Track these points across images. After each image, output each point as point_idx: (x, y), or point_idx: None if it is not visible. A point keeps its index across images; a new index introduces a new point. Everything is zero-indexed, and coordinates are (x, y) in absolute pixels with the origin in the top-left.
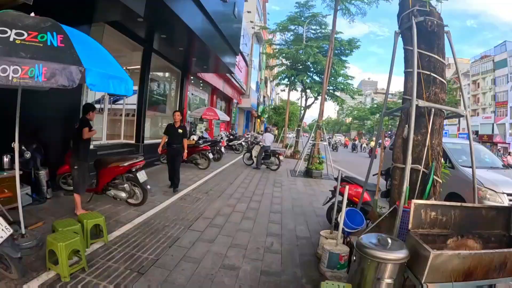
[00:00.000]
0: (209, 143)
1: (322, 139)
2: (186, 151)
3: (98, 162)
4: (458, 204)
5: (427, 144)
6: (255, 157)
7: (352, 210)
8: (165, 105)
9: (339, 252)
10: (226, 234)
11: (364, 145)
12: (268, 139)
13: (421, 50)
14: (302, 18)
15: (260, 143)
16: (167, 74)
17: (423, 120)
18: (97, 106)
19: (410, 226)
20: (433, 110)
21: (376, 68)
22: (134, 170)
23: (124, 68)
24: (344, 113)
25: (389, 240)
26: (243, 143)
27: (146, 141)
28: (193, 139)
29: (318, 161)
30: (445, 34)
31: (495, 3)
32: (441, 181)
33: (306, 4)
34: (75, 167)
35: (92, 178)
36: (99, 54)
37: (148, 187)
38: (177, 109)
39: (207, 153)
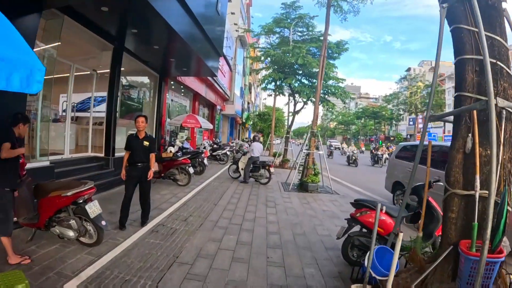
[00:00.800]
0: (190, 155)
1: (317, 147)
2: (152, 169)
3: (37, 188)
4: None
5: (500, 161)
6: (242, 169)
7: (382, 248)
8: (140, 113)
9: None
10: None
11: (386, 155)
12: (256, 149)
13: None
14: (289, 20)
15: (248, 153)
16: (142, 78)
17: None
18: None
19: None
20: (504, 113)
21: (359, 73)
22: (81, 201)
23: (92, 70)
24: (329, 118)
25: None
26: (228, 153)
27: (117, 154)
28: (170, 151)
29: (313, 173)
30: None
31: None
32: None
33: (292, 5)
34: None
35: (35, 208)
36: None
37: (103, 223)
38: (142, 114)
39: (187, 167)
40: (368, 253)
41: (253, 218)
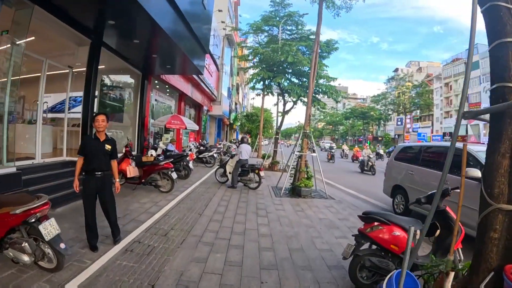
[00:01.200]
0: (173, 158)
1: (310, 148)
2: (117, 180)
3: None
4: None
5: None
6: (229, 173)
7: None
8: (122, 113)
9: None
10: None
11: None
12: (245, 151)
13: None
14: (278, 18)
15: (236, 156)
16: (124, 76)
17: None
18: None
19: None
20: None
21: (346, 74)
22: (33, 220)
23: (67, 67)
24: (316, 119)
25: None
26: (215, 155)
27: None
28: (151, 155)
29: (306, 176)
30: None
31: (462, 9)
32: None
33: (282, 3)
34: None
35: None
36: None
37: (62, 246)
38: (102, 112)
39: (170, 172)
40: (386, 279)
41: (243, 231)
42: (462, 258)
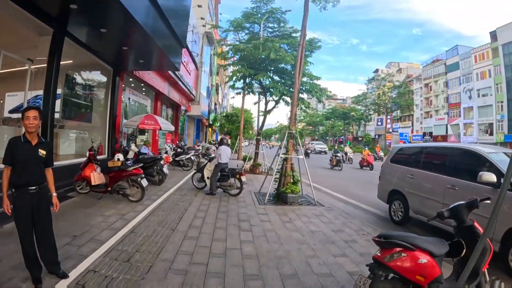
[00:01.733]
0: (143, 163)
1: (297, 150)
2: (54, 195)
3: None
4: None
5: None
6: (208, 178)
7: None
8: (90, 113)
9: None
10: None
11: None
12: (225, 153)
13: None
14: (259, 15)
15: (215, 159)
16: (93, 72)
17: None
18: None
19: None
20: None
21: (325, 75)
22: None
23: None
24: (296, 119)
25: None
26: (192, 158)
27: (57, 163)
28: (118, 159)
29: (292, 181)
30: None
31: (440, 11)
32: None
33: None
34: None
35: None
36: None
37: None
38: (33, 106)
39: (139, 178)
40: None
41: (223, 251)
42: (488, 279)
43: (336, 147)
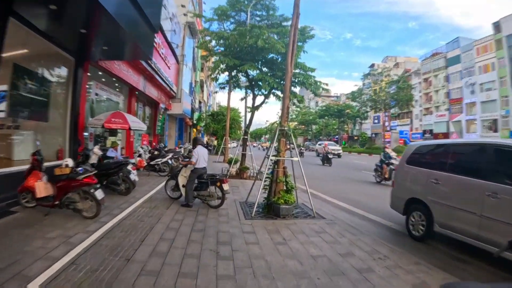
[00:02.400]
0: (104, 169)
1: (291, 150)
2: None
3: None
4: None
5: None
6: (183, 186)
7: None
8: (46, 110)
9: None
10: None
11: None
12: (202, 156)
13: None
14: (246, 2)
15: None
16: (50, 62)
17: None
18: None
19: None
20: None
21: (318, 72)
22: None
23: None
24: (288, 118)
25: None
26: (169, 161)
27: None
28: (67, 165)
29: (285, 188)
30: None
31: (437, 4)
32: None
33: None
34: None
35: None
36: None
37: None
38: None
39: (92, 189)
40: None
41: None
42: None
43: (386, 148)
